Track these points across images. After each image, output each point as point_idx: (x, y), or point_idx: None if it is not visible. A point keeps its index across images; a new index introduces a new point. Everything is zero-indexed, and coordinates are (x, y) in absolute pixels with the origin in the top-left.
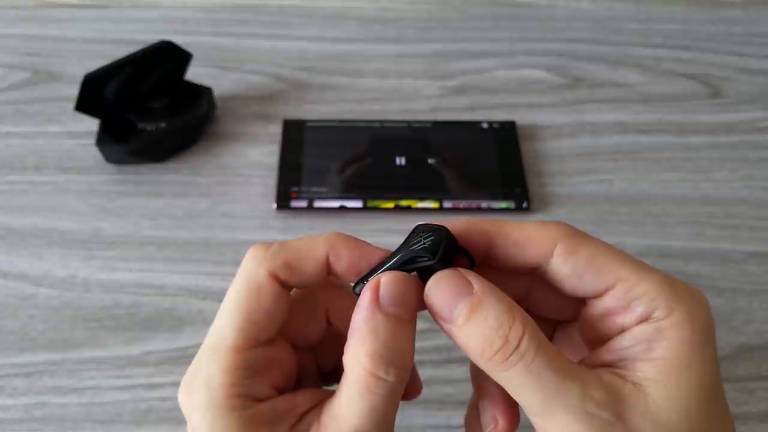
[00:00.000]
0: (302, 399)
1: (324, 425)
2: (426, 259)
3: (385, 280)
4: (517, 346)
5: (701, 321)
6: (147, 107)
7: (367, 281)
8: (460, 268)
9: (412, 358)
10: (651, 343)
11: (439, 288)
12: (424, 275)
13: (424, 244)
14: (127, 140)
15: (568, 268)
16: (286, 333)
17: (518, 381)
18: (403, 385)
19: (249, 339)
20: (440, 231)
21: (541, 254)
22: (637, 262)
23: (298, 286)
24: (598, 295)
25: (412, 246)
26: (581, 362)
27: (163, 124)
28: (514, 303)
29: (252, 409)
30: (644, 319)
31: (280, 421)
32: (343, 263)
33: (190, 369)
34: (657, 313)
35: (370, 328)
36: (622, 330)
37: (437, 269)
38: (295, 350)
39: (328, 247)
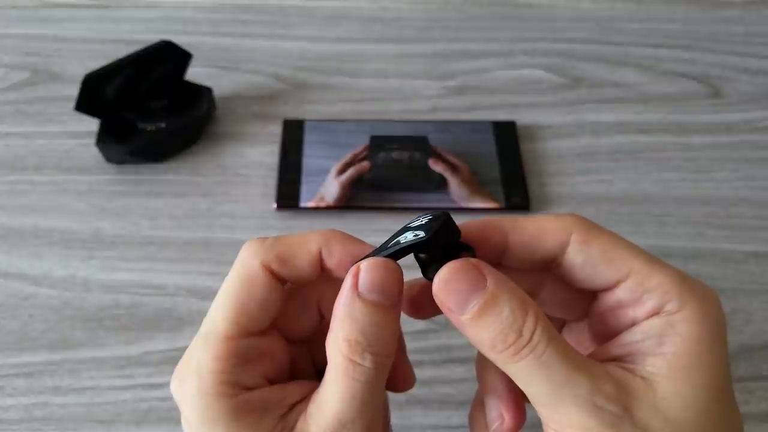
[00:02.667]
0: (293, 390)
1: (310, 414)
2: (421, 235)
3: (365, 266)
4: (530, 339)
5: (713, 318)
6: (147, 107)
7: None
8: (473, 260)
9: (394, 346)
10: (662, 338)
11: (452, 281)
12: (424, 264)
13: (422, 221)
14: (127, 140)
15: (582, 258)
16: (280, 325)
17: (527, 372)
18: (383, 372)
19: (241, 328)
20: (441, 215)
21: (558, 244)
22: (649, 255)
23: (291, 280)
24: (610, 287)
25: (409, 224)
26: (590, 356)
27: (163, 124)
28: (527, 296)
29: (241, 397)
30: (656, 313)
31: (269, 410)
32: (334, 259)
33: (183, 358)
34: (669, 307)
35: (348, 314)
36: (633, 323)
37: (431, 246)
38: (288, 343)
39: (322, 242)
